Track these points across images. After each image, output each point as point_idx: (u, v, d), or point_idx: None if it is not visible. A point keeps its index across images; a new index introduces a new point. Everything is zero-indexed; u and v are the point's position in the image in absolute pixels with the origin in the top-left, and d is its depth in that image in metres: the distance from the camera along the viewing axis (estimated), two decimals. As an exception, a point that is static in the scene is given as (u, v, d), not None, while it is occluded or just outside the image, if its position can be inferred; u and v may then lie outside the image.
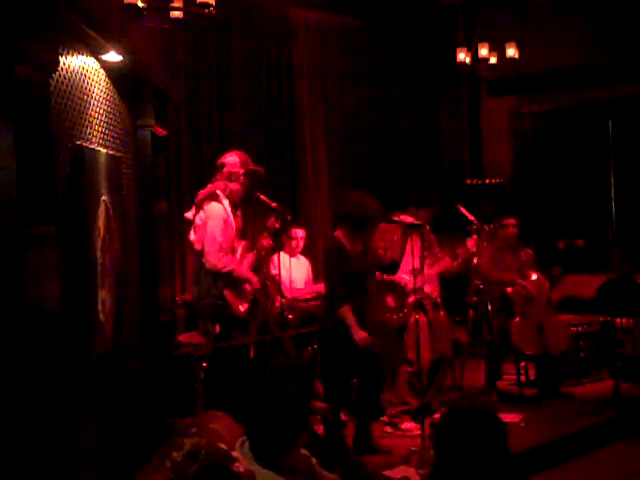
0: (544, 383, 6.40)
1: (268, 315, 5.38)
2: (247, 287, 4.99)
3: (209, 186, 4.95)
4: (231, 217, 4.91)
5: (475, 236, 5.74)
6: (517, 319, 6.20)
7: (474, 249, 5.68)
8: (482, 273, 6.08)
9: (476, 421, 2.34)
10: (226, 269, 4.78)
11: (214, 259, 4.77)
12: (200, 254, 4.86)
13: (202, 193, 4.93)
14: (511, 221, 6.37)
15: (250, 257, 5.08)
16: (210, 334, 4.82)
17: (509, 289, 6.26)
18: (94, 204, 3.66)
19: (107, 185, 3.84)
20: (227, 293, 4.83)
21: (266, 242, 5.04)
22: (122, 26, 4.21)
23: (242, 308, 4.93)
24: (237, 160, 4.97)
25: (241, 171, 4.95)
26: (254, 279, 5.01)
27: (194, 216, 4.93)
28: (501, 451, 2.32)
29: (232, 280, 4.87)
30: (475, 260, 5.83)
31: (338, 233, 5.06)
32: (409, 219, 5.53)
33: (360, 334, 4.83)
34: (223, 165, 4.96)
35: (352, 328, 4.83)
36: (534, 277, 6.37)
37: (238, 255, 5.02)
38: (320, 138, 7.97)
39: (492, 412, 2.39)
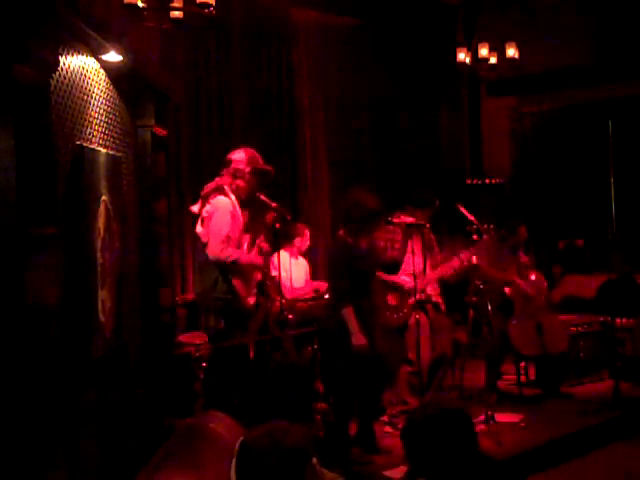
0: (545, 383, 6.41)
1: (268, 315, 5.37)
2: (255, 277, 4.96)
3: (216, 179, 4.93)
4: (238, 210, 4.88)
5: (475, 236, 5.72)
6: (516, 320, 6.22)
7: (475, 260, 5.67)
8: (482, 271, 6.07)
9: (442, 419, 2.31)
10: (230, 259, 4.74)
11: (217, 249, 4.73)
12: (206, 247, 4.82)
13: (209, 186, 4.91)
14: (522, 229, 6.44)
15: (255, 251, 5.05)
16: (211, 330, 4.80)
17: (507, 290, 6.29)
18: (94, 204, 3.67)
19: (107, 185, 3.85)
20: (237, 283, 4.81)
21: (264, 246, 4.99)
22: (122, 26, 4.21)
23: (251, 301, 4.93)
24: (244, 157, 4.94)
25: (247, 169, 4.92)
26: (261, 261, 4.95)
27: (200, 209, 4.91)
28: (469, 447, 2.28)
29: (240, 270, 4.84)
30: (475, 259, 5.81)
31: (342, 232, 5.04)
32: (409, 219, 5.53)
33: (359, 339, 4.77)
34: (230, 161, 4.95)
35: (353, 331, 4.79)
36: (533, 277, 6.40)
37: (245, 249, 5.00)
38: (320, 138, 7.96)
39: (459, 409, 2.36)
